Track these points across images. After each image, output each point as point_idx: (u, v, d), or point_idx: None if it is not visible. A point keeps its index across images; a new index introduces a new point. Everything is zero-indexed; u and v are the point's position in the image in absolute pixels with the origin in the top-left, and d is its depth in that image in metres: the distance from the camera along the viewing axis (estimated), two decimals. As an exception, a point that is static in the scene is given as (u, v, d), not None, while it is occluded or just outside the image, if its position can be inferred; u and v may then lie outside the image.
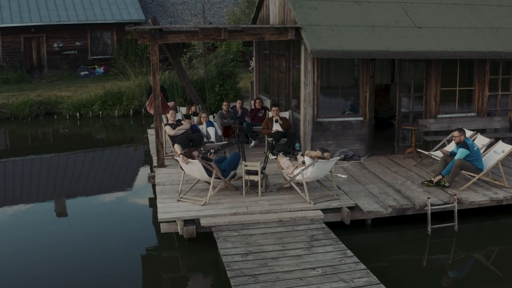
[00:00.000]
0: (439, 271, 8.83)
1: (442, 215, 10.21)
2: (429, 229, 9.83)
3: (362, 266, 7.73)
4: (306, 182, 10.07)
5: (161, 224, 9.62)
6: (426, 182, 11.05)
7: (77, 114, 22.67)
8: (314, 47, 11.80)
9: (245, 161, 10.62)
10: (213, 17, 34.54)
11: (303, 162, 10.25)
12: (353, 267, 7.71)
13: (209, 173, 10.10)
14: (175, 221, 9.57)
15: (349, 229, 9.91)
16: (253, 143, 14.35)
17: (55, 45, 30.64)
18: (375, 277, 7.36)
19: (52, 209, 12.31)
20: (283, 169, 10.69)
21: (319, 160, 9.83)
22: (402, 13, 13.33)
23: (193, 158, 10.08)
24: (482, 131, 13.40)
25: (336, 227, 9.59)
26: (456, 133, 11.09)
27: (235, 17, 28.82)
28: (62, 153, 17.99)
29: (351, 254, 8.14)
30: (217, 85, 21.90)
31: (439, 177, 10.96)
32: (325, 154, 10.00)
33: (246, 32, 12.46)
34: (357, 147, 13.06)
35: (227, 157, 11.14)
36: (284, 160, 10.75)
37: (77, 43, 31.13)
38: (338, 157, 10.50)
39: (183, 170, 10.40)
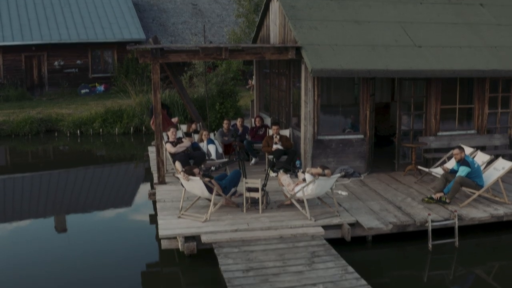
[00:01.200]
0: (440, 287, 8.85)
1: (442, 232, 10.21)
2: (430, 245, 9.83)
3: (363, 281, 7.74)
4: (307, 199, 10.11)
5: (161, 240, 9.62)
6: (426, 199, 11.08)
7: (78, 131, 22.74)
8: (314, 66, 11.90)
9: (245, 178, 10.65)
10: (213, 37, 34.76)
11: (304, 179, 10.29)
12: (354, 283, 7.72)
13: (210, 190, 10.13)
14: (175, 238, 9.58)
15: (350, 245, 9.91)
16: (253, 160, 14.39)
17: (56, 63, 30.80)
18: (376, 293, 7.38)
19: (52, 226, 12.32)
20: (283, 186, 10.73)
21: (319, 177, 9.87)
22: (401, 33, 13.46)
23: (194, 175, 10.13)
24: (482, 148, 13.47)
25: (337, 243, 9.60)
26: (456, 151, 11.16)
27: (236, 36, 29.02)
28: (62, 169, 18.00)
29: (352, 270, 8.15)
30: (218, 103, 22.02)
31: (440, 194, 10.99)
32: (326, 171, 10.04)
33: (247, 52, 12.58)
34: (357, 165, 13.11)
35: (227, 174, 11.18)
36: (284, 177, 10.79)
37: (78, 62, 31.30)
38: (339, 174, 10.52)
39: (183, 187, 10.43)
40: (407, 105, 13.57)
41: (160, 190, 12.13)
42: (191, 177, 10.07)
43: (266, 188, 10.75)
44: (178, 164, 11.29)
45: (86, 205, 13.80)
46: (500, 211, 10.59)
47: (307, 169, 10.50)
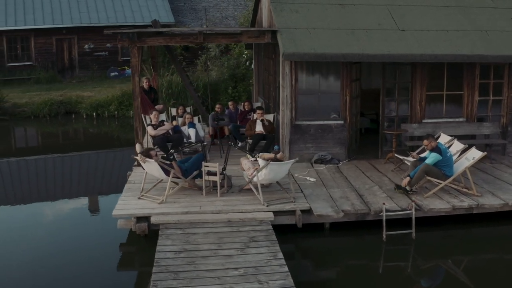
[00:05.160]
0: (388, 276, 8.72)
1: (405, 222, 9.92)
2: (384, 236, 9.63)
3: (285, 268, 7.66)
4: (264, 184, 10.06)
5: (118, 220, 9.83)
6: (396, 189, 10.79)
7: (94, 114, 23.18)
8: (286, 50, 11.76)
9: (206, 162, 10.67)
10: (241, 19, 34.61)
11: (261, 164, 10.24)
12: (276, 269, 7.66)
13: (167, 172, 10.21)
14: (132, 218, 9.74)
15: (307, 232, 9.86)
16: (239, 144, 14.36)
17: (86, 46, 31.42)
18: (291, 280, 7.29)
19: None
20: (244, 170, 10.70)
21: (271, 162, 9.79)
22: (387, 16, 13.10)
23: (150, 157, 10.22)
24: (472, 137, 13.10)
25: (294, 230, 9.59)
26: (425, 142, 10.79)
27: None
28: (62, 154, 18.26)
29: (281, 256, 8.08)
30: (230, 87, 22.07)
31: (407, 179, 10.64)
32: (278, 155, 9.98)
33: (223, 36, 12.51)
34: (337, 151, 12.91)
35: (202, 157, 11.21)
36: (245, 162, 10.75)
37: (108, 45, 31.82)
38: (293, 160, 10.36)
39: (144, 169, 10.55)
40: (391, 91, 13.24)
41: (136, 172, 12.27)
42: (147, 159, 10.17)
43: (226, 172, 10.75)
44: (138, 146, 11.37)
45: (72, 191, 14.05)
46: (465, 203, 10.21)
47: (260, 154, 10.45)
